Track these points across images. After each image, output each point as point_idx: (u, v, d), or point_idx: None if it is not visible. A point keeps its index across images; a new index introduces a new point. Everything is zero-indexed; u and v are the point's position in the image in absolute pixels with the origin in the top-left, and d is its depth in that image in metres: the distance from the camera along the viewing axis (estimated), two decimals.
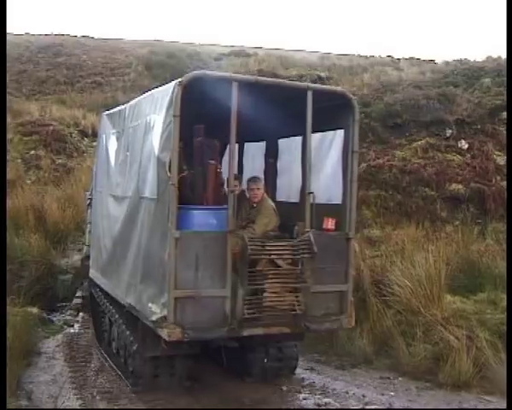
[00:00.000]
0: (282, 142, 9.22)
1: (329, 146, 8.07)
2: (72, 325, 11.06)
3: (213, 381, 8.41)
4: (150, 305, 6.92)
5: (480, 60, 25.65)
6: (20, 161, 21.42)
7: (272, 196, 8.84)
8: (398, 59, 42.29)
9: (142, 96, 8.38)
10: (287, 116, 7.81)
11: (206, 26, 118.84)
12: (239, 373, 8.45)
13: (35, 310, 10.95)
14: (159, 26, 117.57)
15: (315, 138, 7.88)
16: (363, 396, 7.90)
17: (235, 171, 7.81)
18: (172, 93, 6.74)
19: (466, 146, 18.17)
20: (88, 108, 31.30)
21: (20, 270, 13.05)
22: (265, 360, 8.31)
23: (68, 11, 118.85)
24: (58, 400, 7.56)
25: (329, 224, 7.64)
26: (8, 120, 24.40)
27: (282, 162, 9.26)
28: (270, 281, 6.99)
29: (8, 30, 53.69)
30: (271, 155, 9.47)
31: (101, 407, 7.39)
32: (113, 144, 9.39)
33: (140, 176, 7.68)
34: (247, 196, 8.27)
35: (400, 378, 8.55)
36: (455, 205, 16.17)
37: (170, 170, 6.63)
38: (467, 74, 22.92)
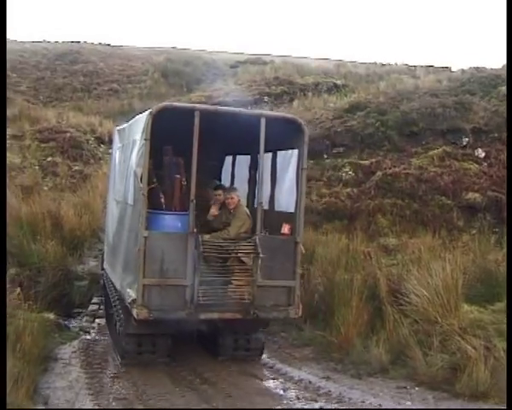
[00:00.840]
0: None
1: (288, 163, 9.43)
2: (89, 332, 11.07)
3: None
4: (128, 290, 8.41)
5: (497, 67, 25.47)
6: (37, 167, 21.57)
7: (253, 203, 10.22)
8: (415, 67, 42.13)
9: (134, 119, 9.74)
10: (284, 132, 8.89)
11: (223, 33, 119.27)
12: (214, 353, 9.62)
13: (51, 316, 10.97)
14: (175, 33, 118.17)
15: (281, 155, 9.68)
16: (380, 406, 7.86)
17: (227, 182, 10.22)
18: (145, 121, 8.28)
19: (483, 155, 18.08)
20: (104, 115, 31.47)
21: (36, 276, 13.08)
22: (235, 343, 9.54)
23: (85, 19, 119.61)
24: (74, 405, 7.58)
25: (286, 229, 9.04)
26: (26, 126, 24.62)
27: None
28: (224, 274, 8.48)
29: (26, 38, 54.10)
30: (253, 168, 10.66)
31: None
32: (117, 155, 11.02)
33: (126, 186, 9.35)
34: None
35: (417, 388, 8.48)
36: (471, 214, 16.09)
37: (141, 182, 8.23)
38: (483, 82, 22.80)
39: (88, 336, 10.84)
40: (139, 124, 8.82)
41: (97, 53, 48.57)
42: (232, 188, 9.89)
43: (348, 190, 17.88)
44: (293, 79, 38.42)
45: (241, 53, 51.17)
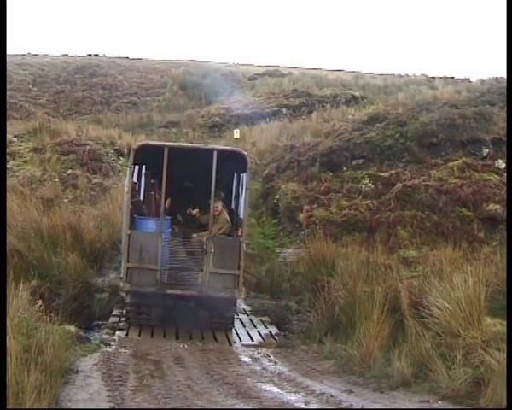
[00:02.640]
0: (242, 175, 13.05)
1: (243, 182, 12.68)
2: (109, 344, 11.02)
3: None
4: (122, 271, 11.85)
5: None
6: (57, 180, 21.69)
7: (237, 212, 13.39)
8: (433, 77, 41.96)
9: None
10: (237, 160, 12.38)
11: (241, 46, 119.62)
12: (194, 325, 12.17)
13: (72, 328, 10.96)
14: (194, 46, 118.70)
15: (242, 176, 12.88)
16: None
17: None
18: (130, 154, 12.21)
19: (503, 165, 17.98)
20: (123, 128, 31.66)
21: (57, 288, 13.18)
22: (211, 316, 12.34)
23: (104, 32, 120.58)
24: None
25: (240, 232, 12.29)
26: (47, 139, 24.80)
27: (240, 189, 13.42)
28: (187, 262, 11.88)
29: (46, 51, 54.68)
30: (237, 184, 13.79)
31: None
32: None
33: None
34: None
35: (440, 402, 8.34)
36: (492, 225, 16.00)
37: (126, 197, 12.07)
38: (503, 92, 22.69)
39: (108, 349, 10.78)
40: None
41: (116, 66, 48.89)
42: (216, 199, 12.29)
43: (368, 202, 17.86)
44: (312, 90, 38.48)
45: (260, 65, 51.25)
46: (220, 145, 15.53)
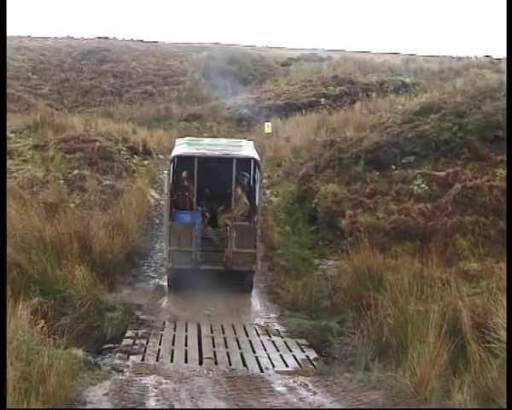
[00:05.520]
0: (257, 171, 17.71)
1: (259, 178, 17.33)
2: (122, 371, 10.97)
3: None
4: (165, 253, 16.73)
5: None
6: (62, 181, 21.80)
7: (254, 196, 17.66)
8: (499, 59, 41.42)
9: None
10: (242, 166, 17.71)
11: (273, 26, 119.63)
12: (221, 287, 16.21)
13: (80, 353, 10.91)
14: (218, 26, 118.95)
15: (258, 175, 17.49)
16: None
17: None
18: (168, 162, 17.77)
19: None
20: (138, 122, 31.81)
21: (62, 306, 13.17)
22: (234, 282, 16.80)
23: (115, 12, 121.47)
24: None
25: (255, 218, 16.63)
26: (49, 135, 24.95)
27: (256, 177, 18.03)
28: (215, 244, 16.63)
29: (49, 34, 55.19)
30: (252, 180, 18.56)
31: None
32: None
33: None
34: None
35: None
36: None
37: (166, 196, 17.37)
38: None
39: (121, 376, 10.72)
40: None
41: (129, 51, 49.20)
42: (237, 185, 16.87)
43: (421, 205, 17.76)
44: (355, 77, 38.40)
45: (294, 48, 51.22)
46: (243, 142, 20.25)
